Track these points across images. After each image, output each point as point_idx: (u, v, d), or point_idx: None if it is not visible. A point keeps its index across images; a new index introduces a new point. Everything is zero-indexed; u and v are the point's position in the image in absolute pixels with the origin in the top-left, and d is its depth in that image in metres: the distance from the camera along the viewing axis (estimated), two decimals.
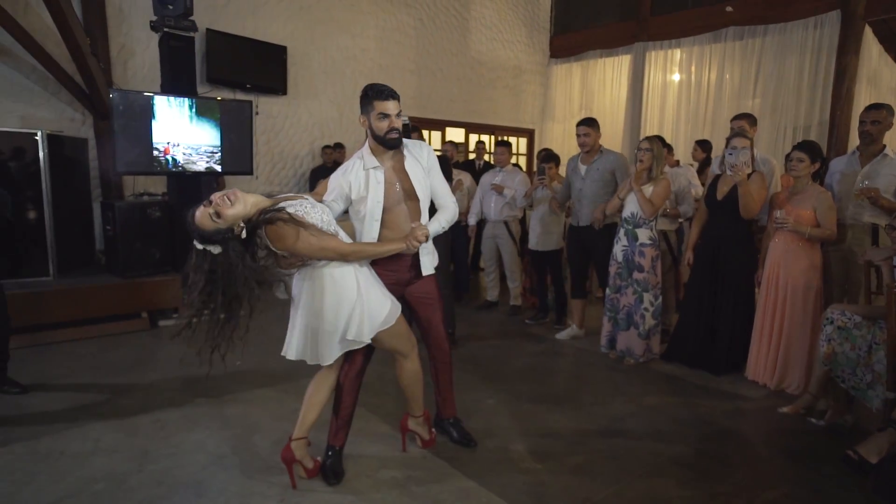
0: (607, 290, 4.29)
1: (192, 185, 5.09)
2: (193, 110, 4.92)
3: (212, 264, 2.10)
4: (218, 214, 2.06)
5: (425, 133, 8.84)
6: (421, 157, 2.63)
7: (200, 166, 5.03)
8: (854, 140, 6.78)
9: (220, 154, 5.08)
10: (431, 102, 8.81)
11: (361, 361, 2.61)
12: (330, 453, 2.60)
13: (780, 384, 3.60)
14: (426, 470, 2.63)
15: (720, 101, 7.97)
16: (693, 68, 8.27)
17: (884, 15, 6.79)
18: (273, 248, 2.20)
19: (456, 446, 2.85)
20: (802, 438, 2.99)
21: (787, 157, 3.68)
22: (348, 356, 2.53)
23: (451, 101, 9.05)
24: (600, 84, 9.57)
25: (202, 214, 2.07)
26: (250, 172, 5.37)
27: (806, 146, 3.54)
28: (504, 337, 4.84)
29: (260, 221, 2.14)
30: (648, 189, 4.00)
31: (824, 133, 7.02)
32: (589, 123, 4.53)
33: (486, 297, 5.89)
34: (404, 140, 2.60)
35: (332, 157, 7.32)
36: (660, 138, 4.51)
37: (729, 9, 7.74)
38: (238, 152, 5.19)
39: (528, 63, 10.05)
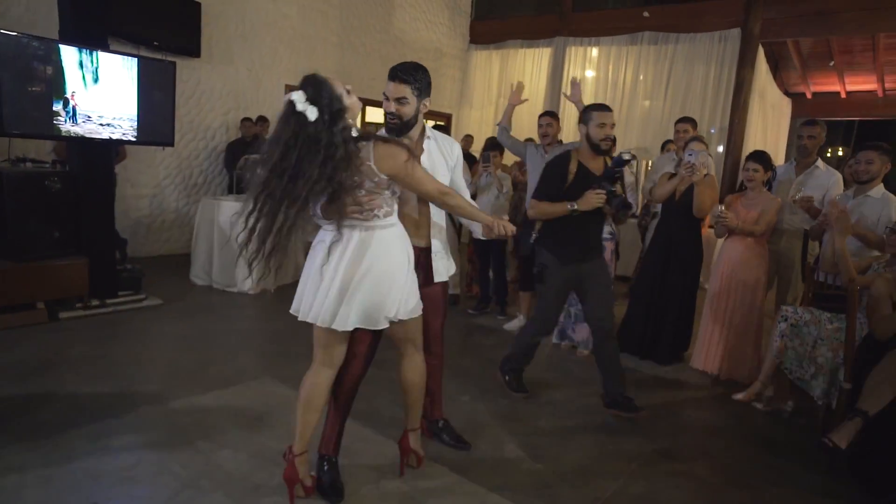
0: None
1: (99, 155, 4.39)
2: (100, 67, 4.21)
3: (296, 130, 1.86)
4: (349, 93, 1.97)
5: None
6: (451, 155, 2.51)
7: (111, 134, 4.33)
8: (750, 145, 7.53)
9: (136, 121, 4.41)
10: (353, 79, 8.34)
11: (364, 366, 2.37)
12: (326, 466, 2.35)
13: (728, 373, 3.88)
14: (431, 478, 2.49)
15: (634, 100, 8.43)
16: (610, 67, 8.66)
17: (774, 38, 7.56)
18: (371, 167, 1.99)
19: (450, 450, 2.73)
20: (772, 428, 3.25)
21: (743, 167, 3.93)
22: (350, 358, 2.29)
23: (373, 80, 8.67)
24: (520, 74, 9.69)
25: (336, 80, 1.94)
26: (171, 143, 4.73)
27: (759, 156, 3.81)
28: (451, 328, 4.74)
29: (370, 134, 1.99)
30: None
31: (724, 137, 7.71)
32: (552, 115, 4.54)
33: None
34: (435, 133, 2.43)
35: (253, 132, 6.72)
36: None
37: (646, 14, 8.18)
38: (157, 121, 4.54)
39: (449, 47, 9.93)
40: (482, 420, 3.08)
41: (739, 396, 3.49)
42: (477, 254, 5.41)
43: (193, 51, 6.34)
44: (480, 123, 10.17)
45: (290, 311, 2.16)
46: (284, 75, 7.48)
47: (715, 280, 3.98)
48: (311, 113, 1.87)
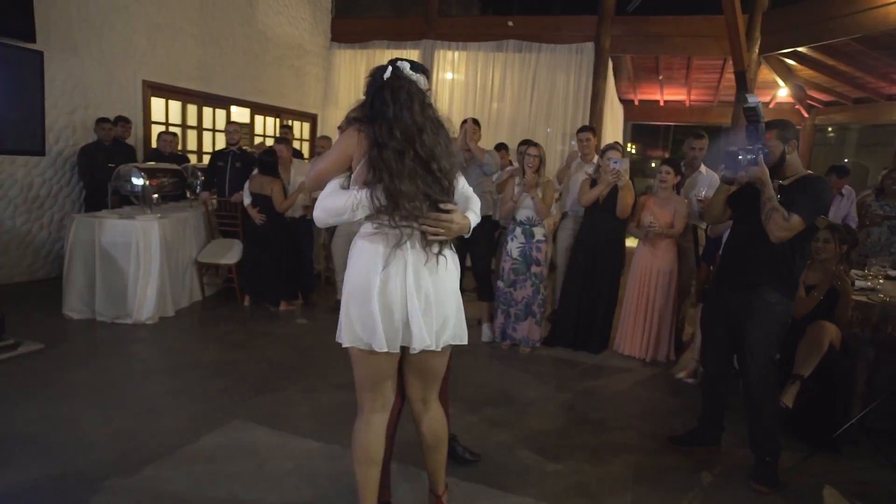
0: (500, 285, 4.52)
1: None
2: None
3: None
4: None
5: (207, 111, 7.66)
6: None
7: None
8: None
9: None
10: (216, 76, 7.63)
11: (401, 397, 2.20)
12: None
13: (652, 355, 4.38)
14: (473, 499, 2.45)
15: (503, 102, 8.94)
16: (479, 70, 9.05)
17: (620, 53, 8.60)
18: None
19: (470, 466, 2.71)
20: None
21: (658, 171, 4.44)
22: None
23: (236, 78, 7.98)
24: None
25: None
26: (41, 152, 3.88)
27: (672, 162, 4.35)
28: None
29: None
30: (539, 193, 4.33)
31: None
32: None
33: (339, 297, 5.46)
34: None
35: (114, 134, 5.77)
36: (528, 141, 4.93)
37: (510, 23, 8.70)
38: (20, 123, 3.70)
39: (311, 44, 9.51)
40: (478, 432, 3.10)
41: (681, 375, 3.98)
42: None
43: (26, 34, 5.18)
44: None
45: (371, 348, 1.83)
46: (141, 69, 6.53)
47: (635, 274, 4.46)
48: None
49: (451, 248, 1.96)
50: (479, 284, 4.72)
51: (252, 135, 8.61)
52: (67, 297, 4.50)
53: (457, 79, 9.25)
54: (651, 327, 4.41)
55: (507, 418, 3.27)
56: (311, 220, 4.87)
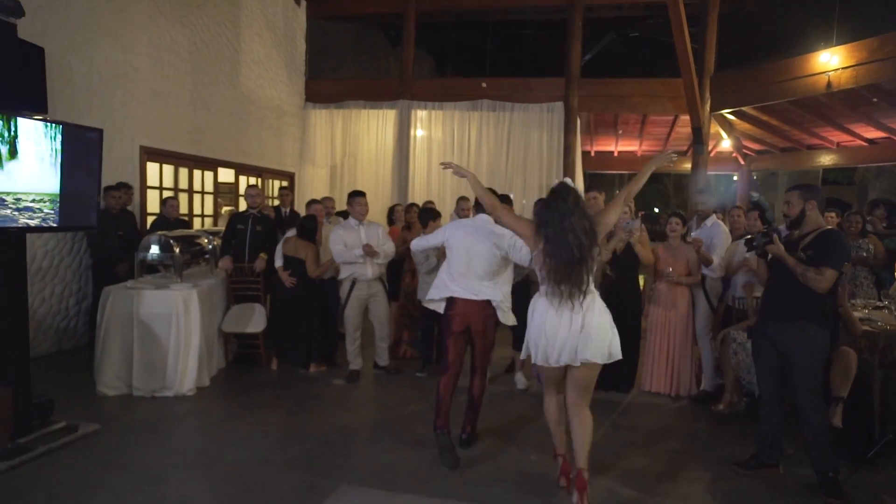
0: None
1: (12, 248, 3.37)
2: (19, 137, 3.29)
3: None
4: None
5: (196, 173, 7.63)
6: None
7: (28, 220, 3.36)
8: None
9: (58, 203, 3.50)
10: (206, 139, 7.65)
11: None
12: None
13: (676, 390, 4.75)
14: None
15: (480, 157, 9.43)
16: (455, 128, 9.55)
17: (587, 111, 9.38)
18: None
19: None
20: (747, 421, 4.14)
21: (668, 222, 4.92)
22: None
23: (223, 139, 8.03)
24: (364, 133, 9.98)
25: None
26: (94, 226, 3.84)
27: (679, 214, 4.85)
28: (423, 400, 4.67)
29: None
30: None
31: None
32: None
33: (352, 367, 5.10)
34: None
35: (122, 202, 5.67)
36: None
37: (484, 84, 9.31)
38: (80, 200, 3.67)
39: (288, 105, 9.71)
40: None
41: (720, 407, 4.35)
42: (425, 317, 5.33)
43: (39, 106, 5.12)
44: (326, 181, 10.12)
45: (541, 363, 2.84)
46: (138, 135, 6.49)
47: (655, 318, 4.87)
48: None
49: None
50: (514, 334, 4.95)
51: (236, 195, 8.61)
52: (102, 372, 4.32)
53: (435, 136, 9.70)
54: (674, 365, 4.80)
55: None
56: (339, 283, 5.01)
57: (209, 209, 8.02)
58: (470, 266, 3.41)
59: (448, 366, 3.47)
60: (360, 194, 5.02)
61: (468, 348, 3.56)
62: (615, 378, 4.84)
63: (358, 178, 9.91)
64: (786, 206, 3.28)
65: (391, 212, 6.66)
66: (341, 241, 4.85)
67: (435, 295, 3.54)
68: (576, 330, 2.73)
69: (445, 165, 3.39)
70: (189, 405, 4.23)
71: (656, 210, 19.91)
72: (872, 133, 9.08)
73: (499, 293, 3.45)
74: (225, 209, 8.87)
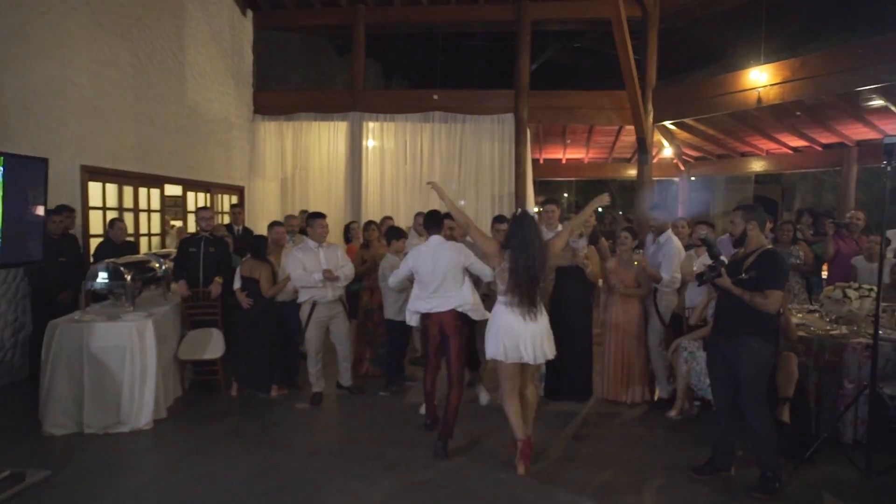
0: None
1: None
2: None
3: None
4: None
5: (143, 191, 7.36)
6: None
7: None
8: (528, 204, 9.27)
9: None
10: (151, 155, 7.38)
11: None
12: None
13: (630, 397, 4.95)
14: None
15: (433, 168, 9.50)
16: (408, 140, 9.59)
17: (537, 122, 9.62)
18: None
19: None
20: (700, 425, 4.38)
21: (617, 236, 5.12)
22: None
23: (170, 155, 7.77)
24: (315, 145, 9.87)
25: None
26: (39, 259, 3.66)
27: (630, 229, 5.05)
28: (388, 421, 4.76)
29: None
30: None
31: (513, 201, 9.34)
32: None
33: (315, 389, 5.00)
34: None
35: (63, 227, 5.41)
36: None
37: (435, 97, 9.39)
38: (24, 233, 3.51)
39: (236, 118, 9.50)
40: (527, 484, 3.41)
41: (672, 414, 4.57)
42: (392, 335, 5.33)
43: None
44: (277, 194, 9.96)
45: (498, 357, 3.50)
46: (79, 154, 6.20)
47: (608, 329, 5.06)
48: None
49: None
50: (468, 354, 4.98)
51: (184, 210, 8.35)
52: (49, 411, 4.09)
53: (387, 147, 9.69)
54: (628, 373, 4.99)
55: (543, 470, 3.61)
56: (299, 305, 4.96)
57: (156, 227, 7.74)
58: (439, 284, 3.91)
59: (429, 360, 4.17)
60: (320, 216, 4.98)
61: (444, 360, 4.05)
62: (570, 387, 5.01)
63: (310, 191, 9.80)
64: (731, 225, 3.53)
65: (347, 229, 6.64)
66: (300, 265, 4.78)
67: (410, 315, 4.10)
68: (536, 332, 3.47)
69: (431, 185, 4.09)
70: (147, 441, 4.09)
71: (600, 209, 20.60)
72: (796, 142, 9.73)
73: (464, 298, 3.94)
74: (173, 223, 8.61)
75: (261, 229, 9.20)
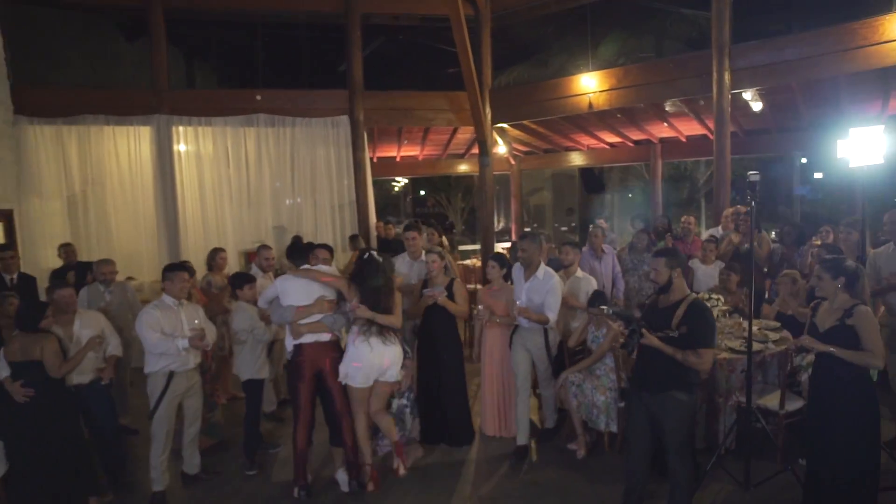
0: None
1: None
2: None
3: None
4: None
5: None
6: None
7: None
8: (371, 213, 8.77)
9: None
10: None
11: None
12: None
13: (509, 432, 4.75)
14: None
15: (262, 177, 8.46)
16: (229, 145, 8.39)
17: (374, 125, 9.06)
18: None
19: None
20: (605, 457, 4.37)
21: (487, 266, 4.82)
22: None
23: None
24: (111, 154, 8.15)
25: None
26: None
27: (498, 257, 4.77)
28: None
29: None
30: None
31: (355, 211, 8.72)
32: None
33: (156, 488, 3.97)
34: None
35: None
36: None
37: (258, 97, 8.30)
38: None
39: None
40: None
41: (581, 453, 4.39)
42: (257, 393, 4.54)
43: None
44: (64, 216, 8.03)
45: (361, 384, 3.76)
46: None
47: (487, 360, 4.81)
48: None
49: None
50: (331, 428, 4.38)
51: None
52: None
53: (205, 152, 8.37)
54: (504, 407, 4.80)
55: None
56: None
57: None
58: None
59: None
60: (181, 268, 4.06)
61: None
62: (450, 430, 4.69)
63: (110, 209, 8.11)
64: (653, 272, 3.34)
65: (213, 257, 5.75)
66: (158, 327, 3.82)
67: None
68: (381, 355, 3.80)
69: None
70: None
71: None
72: (612, 139, 10.56)
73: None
74: None
75: (45, 261, 7.41)
